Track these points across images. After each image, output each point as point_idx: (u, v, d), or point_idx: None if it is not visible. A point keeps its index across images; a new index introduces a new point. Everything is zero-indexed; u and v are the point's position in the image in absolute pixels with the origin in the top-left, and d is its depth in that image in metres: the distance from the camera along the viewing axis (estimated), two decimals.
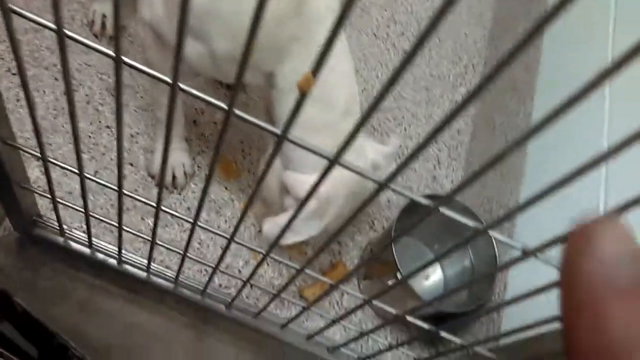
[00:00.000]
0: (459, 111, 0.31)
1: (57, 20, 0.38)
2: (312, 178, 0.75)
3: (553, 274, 0.48)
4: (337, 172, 0.85)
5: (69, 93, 0.45)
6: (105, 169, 0.99)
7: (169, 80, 0.41)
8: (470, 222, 0.47)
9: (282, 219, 0.78)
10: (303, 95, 0.38)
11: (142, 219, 0.97)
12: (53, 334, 0.63)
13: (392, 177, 0.43)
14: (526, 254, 0.46)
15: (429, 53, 1.45)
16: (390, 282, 0.91)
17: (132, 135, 1.03)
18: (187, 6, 0.34)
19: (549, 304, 0.60)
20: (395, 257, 0.91)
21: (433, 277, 1.05)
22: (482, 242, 0.98)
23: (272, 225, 0.76)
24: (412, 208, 0.98)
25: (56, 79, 1.04)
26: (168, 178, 0.99)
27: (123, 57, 0.41)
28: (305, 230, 0.76)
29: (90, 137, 1.01)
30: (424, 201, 0.46)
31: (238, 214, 1.04)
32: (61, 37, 0.40)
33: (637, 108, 0.79)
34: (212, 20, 0.68)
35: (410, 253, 1.06)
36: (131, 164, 1.01)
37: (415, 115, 1.34)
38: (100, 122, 1.02)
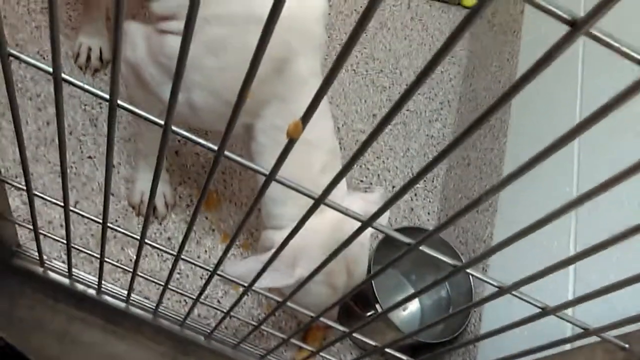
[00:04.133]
0: (431, 167, 0.34)
1: (55, 66, 0.39)
2: (285, 231, 0.75)
3: (527, 307, 0.50)
4: (308, 223, 0.85)
5: (60, 134, 0.46)
6: (86, 199, 0.99)
7: (161, 122, 0.43)
8: (449, 260, 0.49)
9: (244, 263, 0.77)
10: (291, 141, 0.40)
11: (122, 249, 0.98)
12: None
13: (376, 216, 0.45)
14: (502, 291, 0.48)
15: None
16: (368, 314, 0.92)
17: (113, 166, 1.04)
18: (182, 66, 0.36)
19: (523, 334, 0.62)
20: (374, 288, 0.92)
21: (410, 308, 1.07)
22: (458, 274, 1.00)
23: (233, 268, 0.77)
24: (390, 239, 1.00)
25: (39, 109, 1.04)
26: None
27: (119, 101, 0.43)
28: (273, 277, 0.75)
29: (72, 167, 1.01)
30: (405, 239, 0.48)
31: (218, 244, 1.05)
32: (58, 82, 0.42)
33: (604, 150, 0.84)
34: (195, 73, 0.70)
35: (388, 283, 1.08)
36: (112, 194, 1.01)
37: (393, 148, 1.37)
38: (82, 152, 1.03)
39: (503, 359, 0.58)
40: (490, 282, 0.49)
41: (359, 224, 0.94)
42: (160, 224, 1.03)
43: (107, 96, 0.43)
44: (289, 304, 0.66)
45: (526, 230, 0.38)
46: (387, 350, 0.68)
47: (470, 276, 0.98)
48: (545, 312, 0.48)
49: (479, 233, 1.07)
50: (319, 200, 0.46)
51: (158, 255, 1.00)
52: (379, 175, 1.31)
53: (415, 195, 1.32)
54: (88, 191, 1.00)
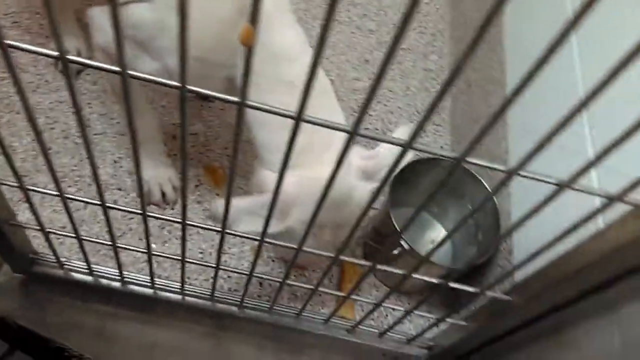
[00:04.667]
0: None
1: None
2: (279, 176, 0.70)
3: (556, 207, 0.47)
4: (306, 175, 0.79)
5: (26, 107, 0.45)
6: (93, 199, 0.99)
7: (117, 69, 0.41)
8: (448, 154, 0.47)
9: (236, 203, 0.71)
10: (249, 49, 0.38)
11: (140, 239, 0.97)
12: (47, 339, 0.63)
13: (358, 122, 0.43)
14: (510, 173, 0.46)
15: (394, 29, 1.44)
16: (396, 252, 0.90)
17: (115, 161, 1.03)
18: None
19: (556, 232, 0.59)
20: (396, 227, 0.90)
21: (438, 240, 1.04)
22: (479, 195, 0.97)
23: (220, 205, 0.69)
24: (402, 177, 0.97)
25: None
26: (158, 195, 0.99)
27: (69, 57, 0.41)
28: (255, 221, 0.69)
29: (73, 170, 1.01)
30: (397, 140, 0.46)
31: None
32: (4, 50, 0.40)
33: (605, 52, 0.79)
34: (163, 38, 0.68)
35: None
36: (119, 189, 1.00)
37: (392, 90, 1.33)
38: (81, 154, 1.02)
39: (535, 253, 0.55)
40: (497, 167, 0.47)
41: (357, 180, 0.89)
42: (173, 208, 1.02)
43: (57, 54, 0.41)
44: (305, 249, 0.65)
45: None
46: (414, 275, 0.65)
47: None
48: (561, 186, 0.45)
49: (494, 151, 1.03)
50: (298, 119, 0.43)
51: (177, 239, 0.99)
52: (382, 119, 1.27)
53: (424, 132, 1.28)
54: (95, 191, 0.99)
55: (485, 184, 0.97)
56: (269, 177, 0.74)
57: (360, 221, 0.55)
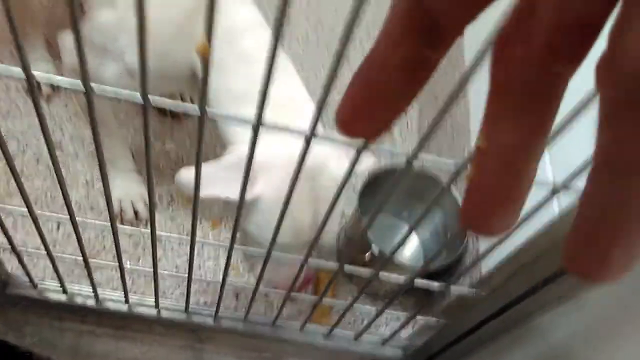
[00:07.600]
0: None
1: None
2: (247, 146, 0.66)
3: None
4: (280, 145, 0.76)
5: None
6: (68, 220, 0.99)
7: (82, 89, 0.43)
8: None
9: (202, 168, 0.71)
10: (206, 61, 0.40)
11: (114, 257, 0.98)
12: (13, 346, 0.64)
13: (314, 125, 0.45)
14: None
15: (360, 44, 1.49)
16: (366, 256, 0.93)
17: (87, 182, 1.04)
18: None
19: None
20: (367, 232, 0.93)
21: (410, 245, 1.07)
22: (447, 199, 1.00)
23: (187, 173, 0.68)
24: (372, 183, 1.00)
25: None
26: (130, 213, 1.00)
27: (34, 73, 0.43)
28: (222, 185, 0.67)
29: (47, 194, 1.01)
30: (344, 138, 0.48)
31: (209, 232, 1.05)
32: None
33: None
34: (123, 36, 0.70)
35: (381, 227, 1.08)
36: (92, 208, 1.01)
37: None
38: (53, 176, 1.03)
39: (493, 246, 0.57)
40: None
41: (330, 151, 0.88)
42: (146, 225, 1.03)
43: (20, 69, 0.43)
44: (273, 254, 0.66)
45: None
46: (381, 274, 0.68)
47: (458, 195, 0.99)
48: None
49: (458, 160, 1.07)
50: (258, 127, 0.45)
51: (151, 255, 1.00)
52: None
53: (394, 142, 1.32)
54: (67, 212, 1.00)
55: (452, 188, 1.00)
56: (240, 147, 0.71)
57: (339, 195, 0.56)
